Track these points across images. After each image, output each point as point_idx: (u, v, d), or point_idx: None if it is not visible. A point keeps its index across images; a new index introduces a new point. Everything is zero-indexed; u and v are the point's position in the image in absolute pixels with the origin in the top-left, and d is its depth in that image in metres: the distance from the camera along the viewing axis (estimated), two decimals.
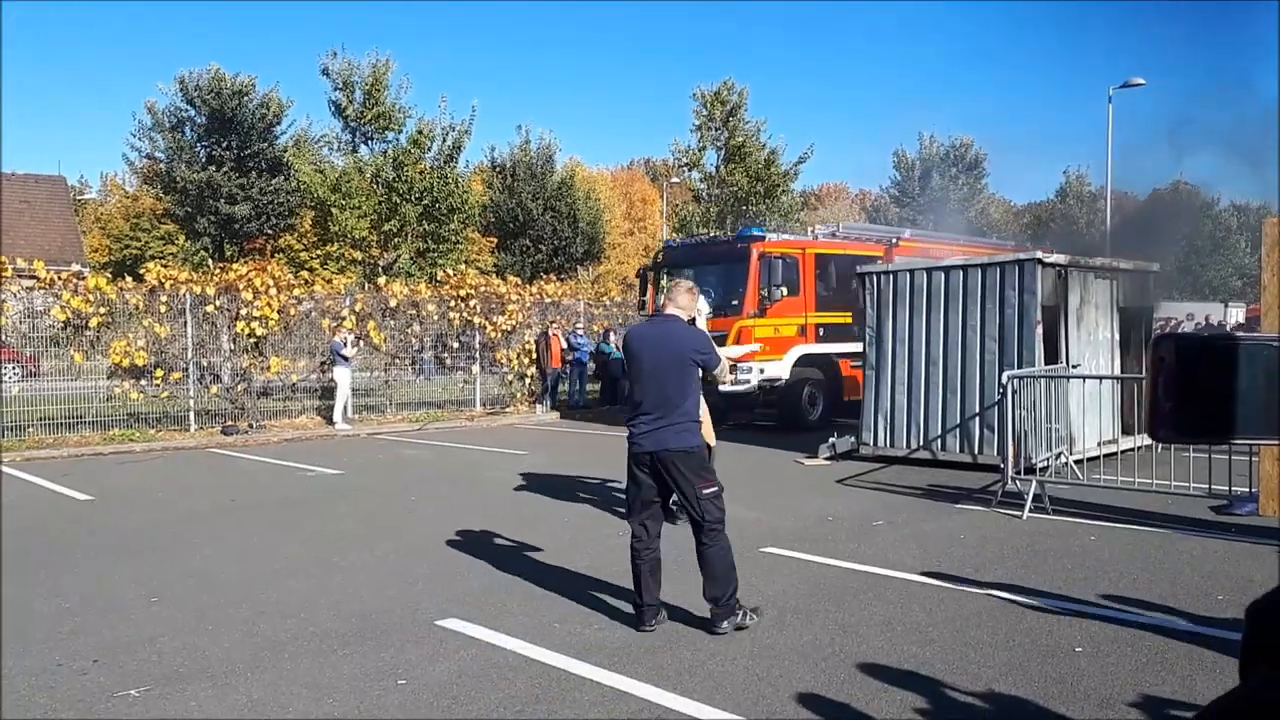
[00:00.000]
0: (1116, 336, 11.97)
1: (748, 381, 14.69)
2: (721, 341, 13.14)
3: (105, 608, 5.78)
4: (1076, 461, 9.65)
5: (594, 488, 10.10)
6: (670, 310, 5.50)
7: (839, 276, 15.81)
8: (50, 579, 6.51)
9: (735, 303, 14.93)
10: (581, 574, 6.47)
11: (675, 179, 43.90)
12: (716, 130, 33.01)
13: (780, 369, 15.20)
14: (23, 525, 8.47)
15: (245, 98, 30.82)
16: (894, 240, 16.45)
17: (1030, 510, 8.27)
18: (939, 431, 11.13)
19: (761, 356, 14.47)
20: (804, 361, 15.52)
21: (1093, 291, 11.66)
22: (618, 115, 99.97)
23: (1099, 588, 5.99)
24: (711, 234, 19.53)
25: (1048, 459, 9.38)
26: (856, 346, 14.37)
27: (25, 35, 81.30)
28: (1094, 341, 11.53)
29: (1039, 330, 10.49)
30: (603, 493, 9.77)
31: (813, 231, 17.85)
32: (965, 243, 17.86)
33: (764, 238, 15.35)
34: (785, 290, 14.94)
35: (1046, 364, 10.48)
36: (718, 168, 33.46)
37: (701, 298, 8.61)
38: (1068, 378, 10.11)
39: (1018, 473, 8.79)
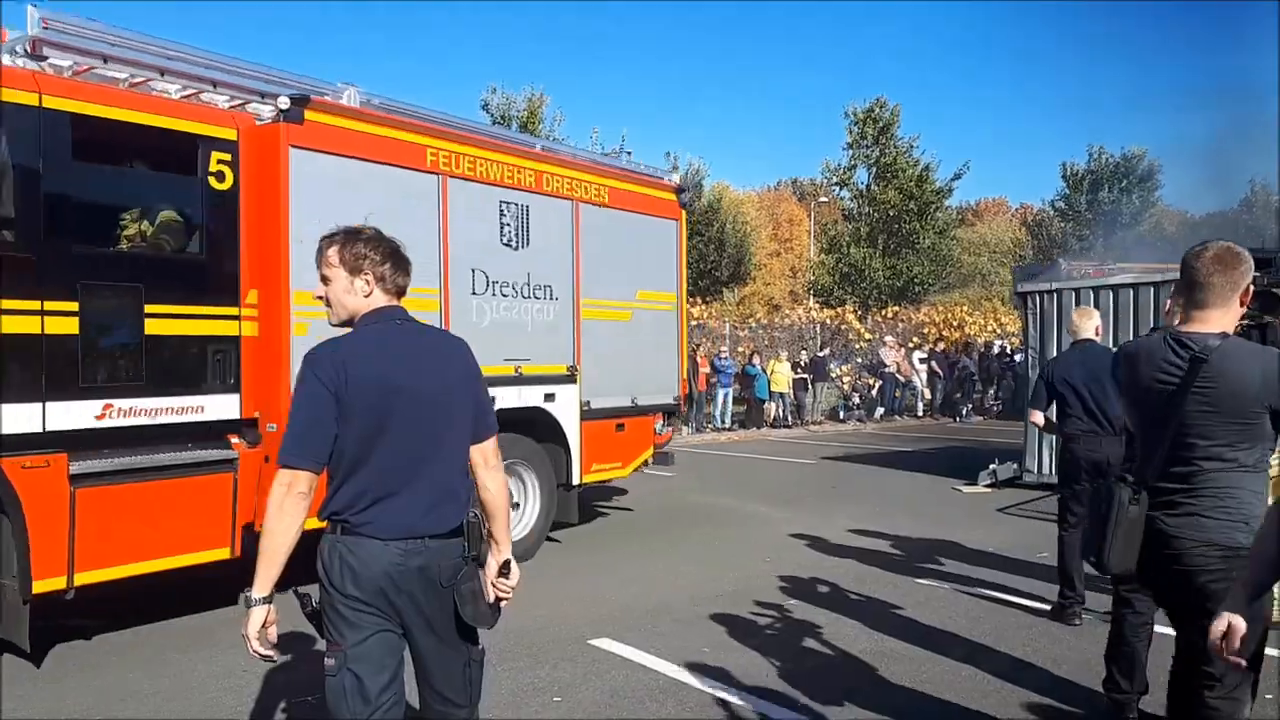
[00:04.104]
0: None
1: None
2: None
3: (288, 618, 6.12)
4: None
5: (739, 512, 10.04)
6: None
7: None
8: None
9: None
10: (728, 599, 6.43)
11: (824, 198, 43.40)
12: (868, 148, 32.46)
13: None
14: None
15: None
16: (294, 105, 5.92)
17: None
18: None
19: None
20: None
21: None
22: (764, 136, 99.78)
23: None
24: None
25: None
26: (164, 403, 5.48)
27: None
28: None
29: None
30: (751, 517, 9.70)
31: None
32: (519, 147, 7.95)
33: None
34: None
35: None
36: (868, 186, 32.86)
37: (1089, 313, 6.24)
38: None
39: None
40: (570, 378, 7.87)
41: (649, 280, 8.85)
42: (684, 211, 9.34)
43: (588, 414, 8.01)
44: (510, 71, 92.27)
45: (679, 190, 9.33)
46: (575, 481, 7.99)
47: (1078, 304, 10.91)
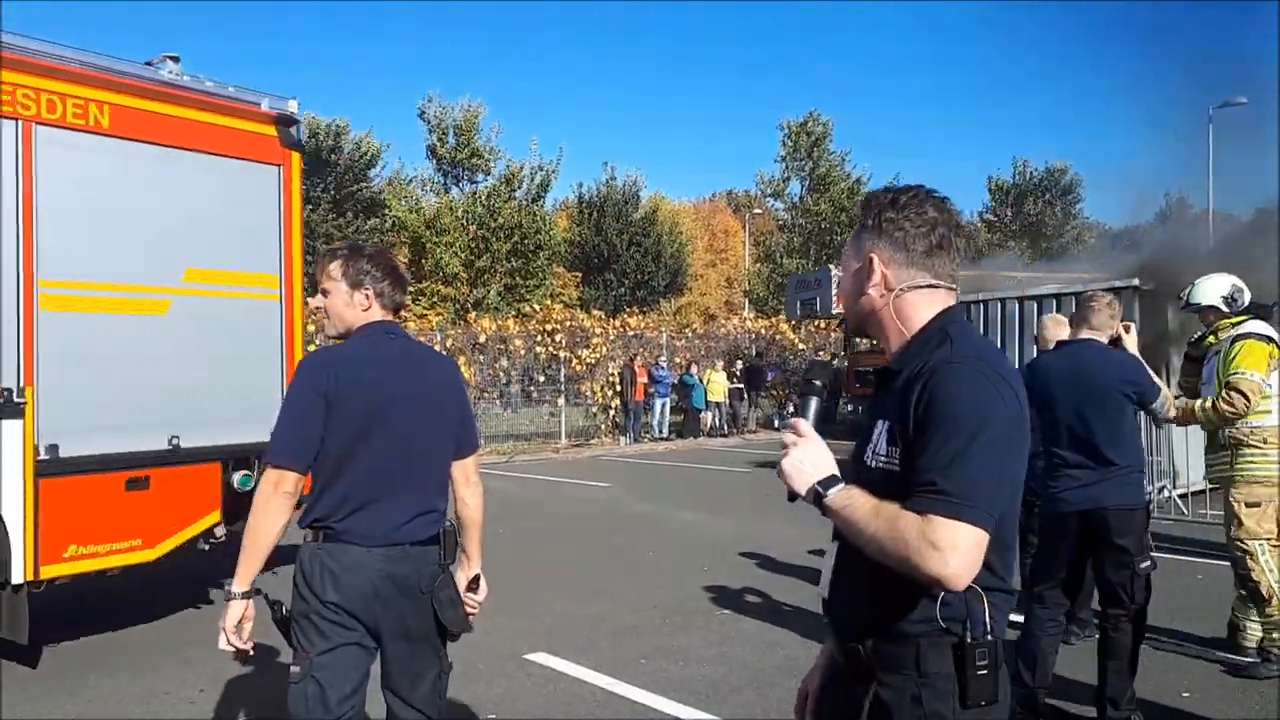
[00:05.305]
0: None
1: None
2: None
3: (214, 640, 5.99)
4: (1180, 496, 9.26)
5: (676, 521, 10.10)
6: (1085, 333, 4.44)
7: None
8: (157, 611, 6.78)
9: None
10: (664, 610, 6.48)
11: (758, 209, 43.95)
12: (801, 161, 33.04)
13: None
14: None
15: (341, 138, 32.06)
16: None
17: None
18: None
19: None
20: None
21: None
22: (700, 148, 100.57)
23: (1206, 629, 5.74)
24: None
25: (1150, 494, 9.03)
26: None
27: None
28: None
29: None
30: (686, 526, 9.76)
31: None
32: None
33: None
34: None
35: None
36: (801, 198, 33.42)
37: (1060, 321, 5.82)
38: None
39: None
40: (5, 407, 4.91)
41: (215, 254, 5.78)
42: (296, 153, 6.24)
43: (53, 466, 5.03)
44: (446, 83, 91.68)
45: (283, 121, 6.13)
46: (20, 578, 4.90)
47: (1003, 315, 11.24)
